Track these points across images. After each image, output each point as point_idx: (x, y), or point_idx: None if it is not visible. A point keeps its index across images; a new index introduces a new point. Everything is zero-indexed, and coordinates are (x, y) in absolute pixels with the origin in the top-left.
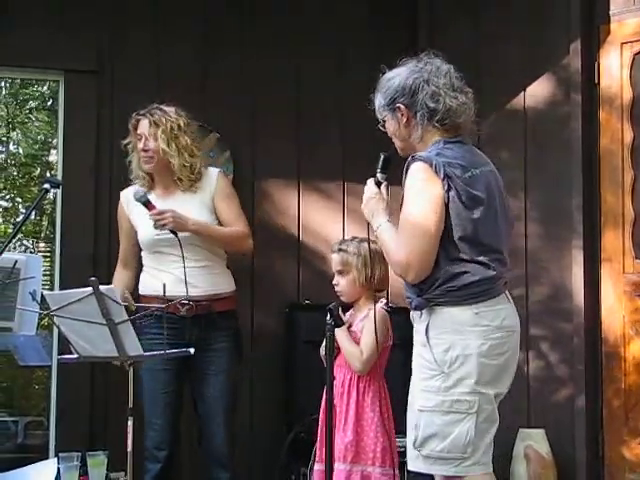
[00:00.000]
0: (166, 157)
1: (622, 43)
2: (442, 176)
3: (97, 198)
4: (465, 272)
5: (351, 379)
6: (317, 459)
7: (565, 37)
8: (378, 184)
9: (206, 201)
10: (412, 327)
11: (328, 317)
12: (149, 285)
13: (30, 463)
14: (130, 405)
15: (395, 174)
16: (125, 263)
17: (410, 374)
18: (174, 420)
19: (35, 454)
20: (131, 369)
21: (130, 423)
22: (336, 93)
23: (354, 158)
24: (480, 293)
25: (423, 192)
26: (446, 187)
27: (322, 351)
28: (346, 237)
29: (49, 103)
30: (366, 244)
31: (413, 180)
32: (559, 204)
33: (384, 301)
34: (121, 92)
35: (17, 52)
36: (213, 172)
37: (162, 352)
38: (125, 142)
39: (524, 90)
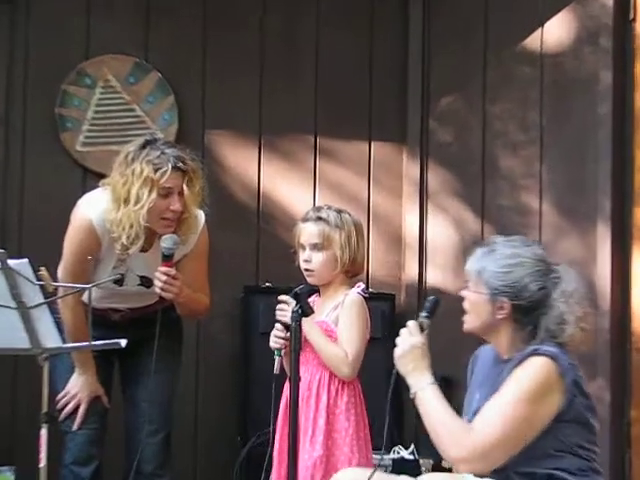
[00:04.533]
0: (182, 217)
1: None
2: (569, 381)
3: (7, 154)
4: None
5: (320, 380)
6: None
7: None
8: (422, 330)
9: (177, 256)
10: (394, 318)
11: (294, 304)
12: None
13: None
14: (44, 409)
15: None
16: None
17: (390, 372)
18: (104, 429)
19: None
20: (46, 364)
21: (44, 432)
22: (310, 28)
23: (330, 109)
24: None
25: (535, 399)
26: (569, 395)
27: (272, 342)
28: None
29: None
30: (347, 216)
31: (530, 377)
32: (582, 171)
33: (362, 285)
34: (39, 28)
35: None
36: (200, 224)
37: (87, 344)
38: (129, 186)
39: (541, 27)
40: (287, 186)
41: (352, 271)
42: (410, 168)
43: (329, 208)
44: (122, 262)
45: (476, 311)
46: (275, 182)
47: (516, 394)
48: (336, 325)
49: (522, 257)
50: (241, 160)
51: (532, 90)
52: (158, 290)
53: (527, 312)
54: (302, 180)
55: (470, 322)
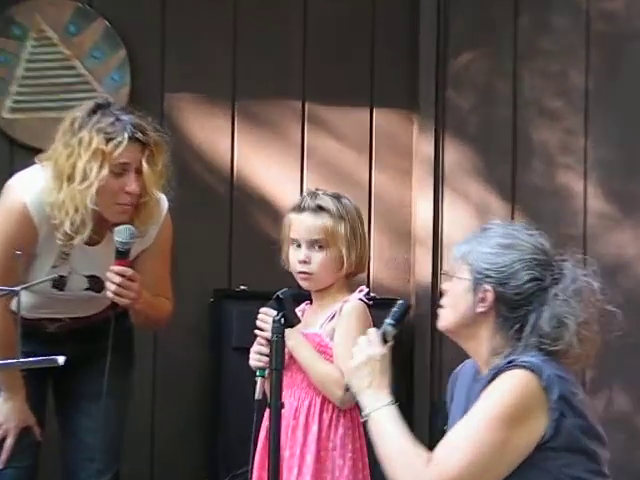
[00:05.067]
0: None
1: None
2: (555, 397)
3: None
4: None
5: (310, 407)
6: None
7: None
8: (385, 341)
9: (134, 252)
10: (401, 329)
11: (276, 311)
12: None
13: None
14: None
15: None
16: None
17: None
18: (35, 467)
19: None
20: None
21: None
22: None
23: (322, 68)
24: None
25: (511, 419)
26: (556, 415)
27: (253, 360)
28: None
29: None
30: (347, 202)
31: (504, 394)
32: (637, 145)
33: (365, 290)
34: None
35: None
36: (162, 211)
37: (15, 361)
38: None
39: None
40: (267, 165)
41: (354, 271)
42: (422, 143)
43: (325, 193)
44: (65, 260)
45: (454, 303)
46: (252, 159)
47: (487, 414)
48: (332, 339)
49: (518, 239)
50: (210, 132)
51: (575, 45)
52: (111, 295)
53: (514, 306)
54: (286, 157)
55: (445, 317)
